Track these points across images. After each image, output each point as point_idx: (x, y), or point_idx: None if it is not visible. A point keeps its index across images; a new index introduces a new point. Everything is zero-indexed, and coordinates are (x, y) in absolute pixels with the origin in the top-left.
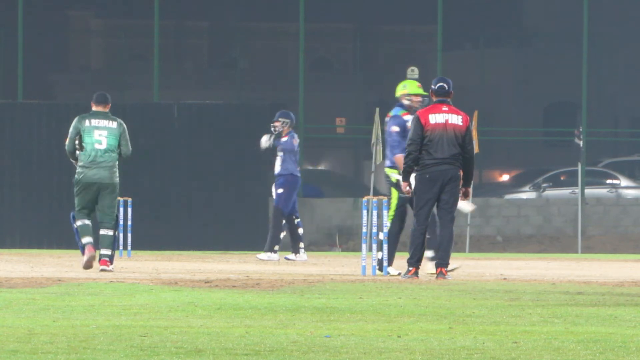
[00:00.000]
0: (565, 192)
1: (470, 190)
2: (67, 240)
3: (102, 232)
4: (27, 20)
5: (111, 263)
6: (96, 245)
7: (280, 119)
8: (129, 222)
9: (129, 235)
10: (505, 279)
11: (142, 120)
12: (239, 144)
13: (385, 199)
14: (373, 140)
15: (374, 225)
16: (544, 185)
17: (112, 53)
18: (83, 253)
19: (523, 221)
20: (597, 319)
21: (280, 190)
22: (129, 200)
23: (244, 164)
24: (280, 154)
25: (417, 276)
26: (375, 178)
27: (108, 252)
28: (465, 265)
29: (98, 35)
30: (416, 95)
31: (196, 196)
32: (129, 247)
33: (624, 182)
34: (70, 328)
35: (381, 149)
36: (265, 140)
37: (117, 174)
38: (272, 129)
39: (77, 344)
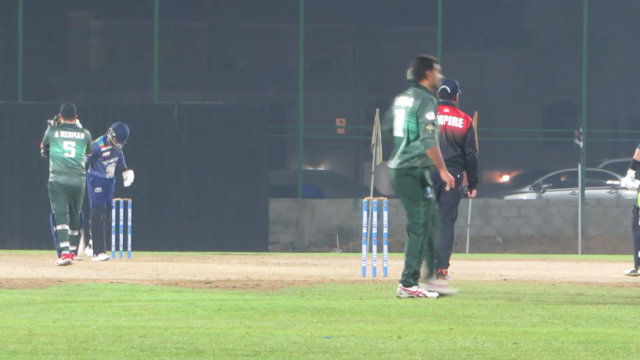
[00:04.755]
0: (565, 193)
1: (475, 192)
2: None
3: (72, 234)
4: (27, 20)
5: (75, 254)
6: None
7: (125, 140)
8: (129, 223)
9: (129, 235)
10: (505, 279)
11: (142, 120)
12: (238, 144)
13: (385, 199)
14: (373, 141)
15: (374, 226)
16: (544, 186)
17: (112, 53)
18: (59, 255)
19: (523, 222)
20: (597, 319)
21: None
22: (129, 200)
23: (243, 164)
24: (115, 159)
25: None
26: (375, 179)
27: (73, 247)
28: (466, 266)
29: (98, 36)
30: None
31: (196, 196)
32: (129, 248)
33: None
34: (70, 329)
35: (381, 149)
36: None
37: (85, 180)
38: (120, 146)
39: (77, 345)
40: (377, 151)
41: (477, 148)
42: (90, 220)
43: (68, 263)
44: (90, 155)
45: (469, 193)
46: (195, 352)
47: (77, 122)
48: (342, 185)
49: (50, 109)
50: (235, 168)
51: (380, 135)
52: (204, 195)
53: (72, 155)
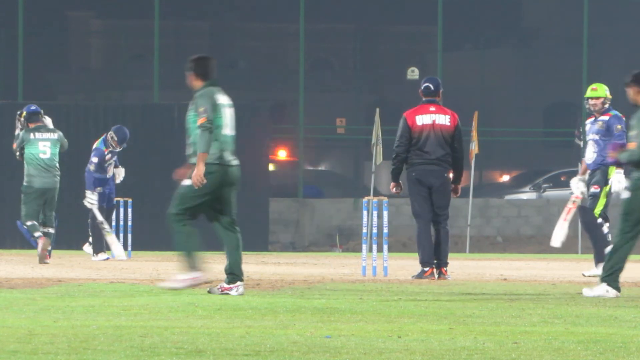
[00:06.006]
0: (565, 193)
1: (460, 187)
2: (67, 241)
3: (45, 229)
4: (27, 20)
5: (49, 257)
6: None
7: (125, 143)
8: (129, 223)
9: (129, 235)
10: (505, 279)
11: (142, 120)
12: (239, 144)
13: (385, 199)
14: (373, 140)
15: (374, 225)
16: (544, 185)
17: (112, 53)
18: (36, 246)
19: (523, 221)
20: (597, 319)
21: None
22: (129, 200)
23: (243, 164)
24: (114, 159)
25: (435, 276)
26: (375, 178)
27: (49, 247)
28: (466, 266)
29: (98, 36)
30: (590, 98)
31: None
32: (129, 248)
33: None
34: (70, 328)
35: (381, 149)
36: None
37: (59, 178)
38: (119, 149)
39: (77, 345)
40: (377, 151)
41: (475, 146)
42: (89, 220)
43: (46, 245)
44: (63, 150)
45: (452, 192)
46: (195, 351)
47: (49, 122)
48: (342, 185)
49: (50, 109)
50: None
51: (380, 135)
52: None
53: (47, 155)
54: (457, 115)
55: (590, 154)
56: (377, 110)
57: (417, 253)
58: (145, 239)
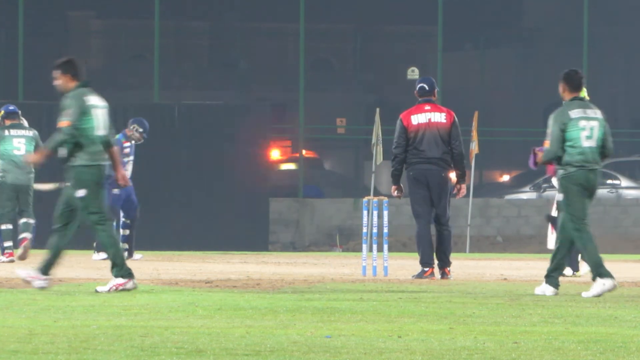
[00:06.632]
0: None
1: (464, 187)
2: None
3: (24, 220)
4: (27, 20)
5: (31, 245)
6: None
7: (141, 130)
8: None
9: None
10: (505, 279)
11: None
12: (239, 144)
13: (385, 199)
14: (373, 140)
15: (374, 225)
16: (544, 185)
17: (112, 53)
18: (2, 253)
19: (523, 221)
20: (598, 319)
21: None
22: None
23: (244, 164)
24: (132, 157)
25: (434, 276)
26: (375, 178)
27: (29, 235)
28: (466, 266)
29: (98, 35)
30: None
31: (196, 196)
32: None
33: (624, 182)
34: (70, 328)
35: (381, 149)
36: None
37: (33, 175)
38: (138, 140)
39: (77, 344)
40: (378, 150)
41: (475, 146)
42: None
43: (9, 262)
44: None
45: (457, 192)
46: (195, 351)
47: (25, 122)
48: (342, 185)
49: (50, 109)
50: (236, 168)
51: (380, 135)
52: (205, 195)
53: (22, 152)
54: (453, 112)
55: None
56: (377, 110)
57: (417, 253)
58: (145, 239)
